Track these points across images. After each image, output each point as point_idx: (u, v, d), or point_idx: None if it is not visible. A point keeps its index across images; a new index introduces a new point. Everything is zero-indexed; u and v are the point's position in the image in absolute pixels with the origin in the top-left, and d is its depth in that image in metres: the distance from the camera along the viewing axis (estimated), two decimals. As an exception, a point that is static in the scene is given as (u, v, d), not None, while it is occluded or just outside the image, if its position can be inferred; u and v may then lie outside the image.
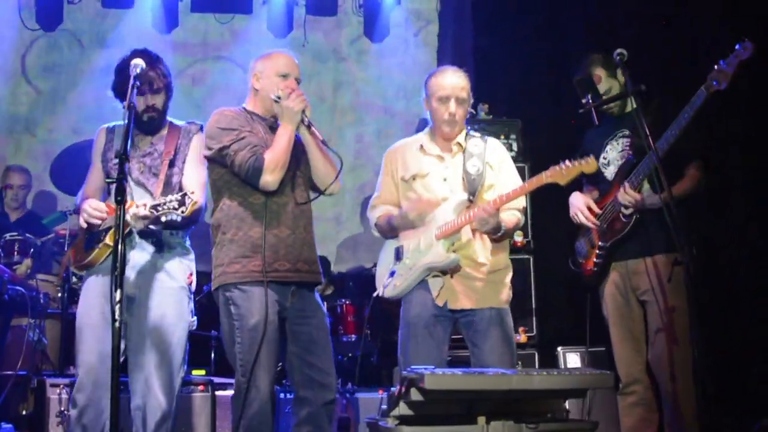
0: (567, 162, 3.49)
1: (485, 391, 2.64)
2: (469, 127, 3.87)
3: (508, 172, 3.82)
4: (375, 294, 3.80)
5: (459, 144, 3.77)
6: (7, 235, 5.47)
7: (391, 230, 3.80)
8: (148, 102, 3.66)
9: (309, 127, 3.47)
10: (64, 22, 7.26)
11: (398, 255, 3.75)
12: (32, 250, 5.48)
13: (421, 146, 3.82)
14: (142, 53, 3.65)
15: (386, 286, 3.72)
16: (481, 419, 2.64)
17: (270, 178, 3.38)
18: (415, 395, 2.64)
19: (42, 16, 7.14)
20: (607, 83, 4.01)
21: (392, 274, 3.72)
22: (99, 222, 3.56)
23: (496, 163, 3.77)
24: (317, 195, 3.61)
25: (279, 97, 3.46)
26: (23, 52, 7.25)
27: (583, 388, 2.78)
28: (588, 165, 3.49)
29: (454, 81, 3.72)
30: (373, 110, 7.69)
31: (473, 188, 3.66)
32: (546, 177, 3.50)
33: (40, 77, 7.28)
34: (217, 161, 3.49)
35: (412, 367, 2.76)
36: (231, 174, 3.46)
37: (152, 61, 3.65)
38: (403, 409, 2.71)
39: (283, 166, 3.41)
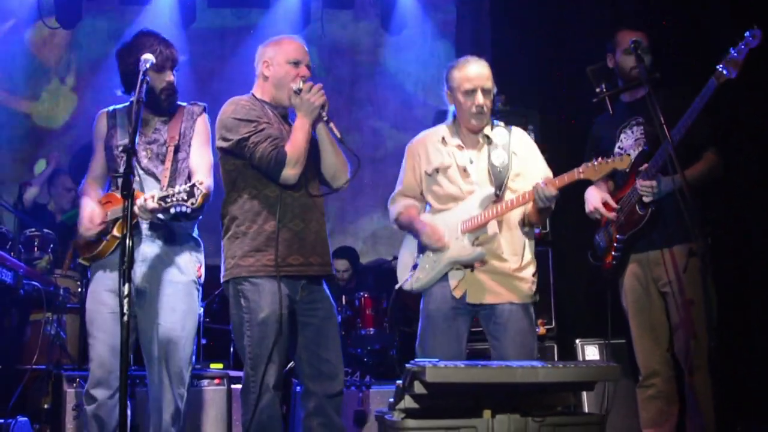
0: (600, 159, 3.42)
1: (488, 384, 2.59)
2: (493, 118, 3.79)
3: (535, 159, 3.75)
4: (397, 286, 3.75)
5: (486, 136, 3.70)
6: (27, 231, 5.51)
7: (410, 229, 3.73)
8: (169, 78, 3.62)
9: (327, 123, 3.41)
10: (83, 19, 7.32)
11: (421, 247, 3.69)
12: (51, 245, 5.51)
13: (443, 138, 3.74)
14: (151, 34, 3.64)
15: (408, 279, 3.68)
16: (487, 412, 2.60)
17: (292, 172, 3.34)
18: (418, 388, 2.61)
19: (61, 13, 7.19)
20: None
21: (415, 266, 3.68)
22: (94, 234, 3.56)
23: (522, 152, 3.71)
24: (328, 192, 3.56)
25: (300, 89, 3.39)
26: (43, 50, 7.32)
27: (589, 381, 2.72)
28: (622, 162, 3.41)
29: (478, 72, 3.63)
30: (391, 103, 7.67)
31: (500, 181, 3.60)
32: (579, 173, 3.43)
33: (59, 74, 7.36)
34: (234, 153, 3.41)
35: (416, 359, 2.73)
36: (247, 166, 3.40)
37: (165, 40, 3.64)
38: (408, 402, 2.68)
39: (303, 161, 3.37)
